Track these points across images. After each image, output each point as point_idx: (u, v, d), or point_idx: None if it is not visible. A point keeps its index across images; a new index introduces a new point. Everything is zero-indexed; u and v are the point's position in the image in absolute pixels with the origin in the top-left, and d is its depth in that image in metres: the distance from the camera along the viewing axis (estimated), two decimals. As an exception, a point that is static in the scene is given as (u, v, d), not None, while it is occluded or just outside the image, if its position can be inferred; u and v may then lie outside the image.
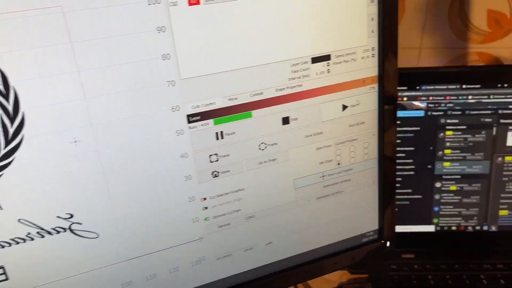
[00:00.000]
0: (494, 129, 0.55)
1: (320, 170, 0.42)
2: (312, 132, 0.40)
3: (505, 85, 0.54)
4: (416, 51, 0.68)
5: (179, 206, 0.38)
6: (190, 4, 0.33)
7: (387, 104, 0.42)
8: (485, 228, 0.59)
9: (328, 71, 0.39)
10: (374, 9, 0.38)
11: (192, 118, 0.36)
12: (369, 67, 0.40)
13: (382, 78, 0.41)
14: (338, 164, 0.42)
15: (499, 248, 0.59)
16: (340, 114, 0.41)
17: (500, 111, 0.55)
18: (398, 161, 0.56)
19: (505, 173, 0.57)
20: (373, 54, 0.40)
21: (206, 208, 0.39)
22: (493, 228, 0.59)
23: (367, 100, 0.41)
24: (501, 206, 0.58)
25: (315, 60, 0.38)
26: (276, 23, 0.36)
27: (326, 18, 0.37)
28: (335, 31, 0.38)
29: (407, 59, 0.69)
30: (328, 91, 0.39)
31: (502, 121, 0.55)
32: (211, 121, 0.36)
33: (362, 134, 0.42)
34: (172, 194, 0.37)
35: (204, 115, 0.36)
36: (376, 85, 0.41)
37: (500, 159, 0.56)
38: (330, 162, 0.42)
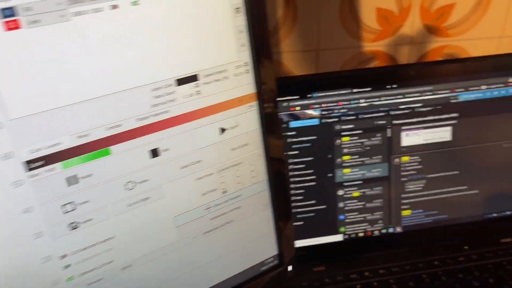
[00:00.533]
0: (388, 130, 0.55)
1: (204, 202, 0.37)
2: (188, 162, 0.36)
3: (394, 85, 0.53)
4: (314, 53, 0.67)
5: (32, 269, 0.31)
6: (8, 29, 0.27)
7: (270, 121, 0.38)
8: (391, 230, 0.58)
9: (198, 92, 0.34)
10: (241, 20, 0.34)
11: (32, 164, 0.29)
12: (245, 84, 0.36)
13: (261, 94, 0.37)
14: (224, 192, 0.38)
15: (406, 249, 0.59)
16: (219, 138, 0.36)
17: (392, 112, 0.54)
18: (298, 172, 0.54)
19: (403, 173, 0.56)
20: (247, 70, 0.36)
21: (68, 266, 0.33)
22: (398, 229, 0.58)
23: (247, 120, 0.37)
24: (403, 207, 0.57)
25: (180, 82, 0.33)
26: (127, 43, 0.30)
27: (188, 34, 0.32)
28: (200, 48, 0.33)
29: (305, 62, 0.67)
30: (201, 114, 0.35)
31: (394, 122, 0.54)
32: (58, 165, 0.30)
33: (247, 156, 0.38)
34: (21, 256, 0.31)
35: (48, 159, 0.30)
36: (255, 103, 0.37)
37: (397, 160, 0.56)
38: (215, 192, 0.38)
